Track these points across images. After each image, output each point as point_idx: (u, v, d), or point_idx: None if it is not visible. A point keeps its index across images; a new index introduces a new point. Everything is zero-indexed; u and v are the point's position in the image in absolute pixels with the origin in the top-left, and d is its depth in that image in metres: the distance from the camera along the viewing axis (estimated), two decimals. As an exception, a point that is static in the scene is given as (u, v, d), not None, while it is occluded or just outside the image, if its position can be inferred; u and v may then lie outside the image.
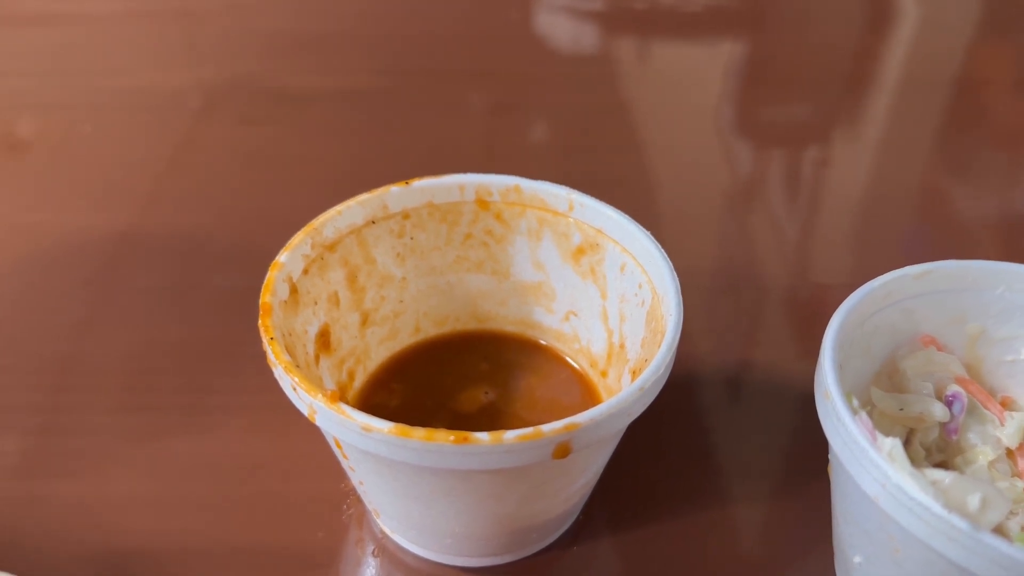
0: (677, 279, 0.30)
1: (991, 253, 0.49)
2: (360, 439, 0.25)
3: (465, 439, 0.24)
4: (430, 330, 0.37)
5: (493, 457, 0.25)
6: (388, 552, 0.32)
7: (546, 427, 0.25)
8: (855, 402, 0.26)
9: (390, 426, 0.25)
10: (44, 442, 0.36)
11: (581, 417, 0.25)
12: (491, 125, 0.59)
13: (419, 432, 0.24)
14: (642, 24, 0.73)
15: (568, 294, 0.36)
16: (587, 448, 0.26)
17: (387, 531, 0.33)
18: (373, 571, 0.32)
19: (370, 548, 0.33)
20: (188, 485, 0.35)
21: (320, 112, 0.59)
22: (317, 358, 0.32)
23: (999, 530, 0.26)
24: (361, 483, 0.30)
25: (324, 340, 0.32)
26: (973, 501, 0.23)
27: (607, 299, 0.34)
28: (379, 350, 0.36)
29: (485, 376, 0.36)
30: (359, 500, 0.34)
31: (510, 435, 0.24)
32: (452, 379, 0.36)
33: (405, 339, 0.37)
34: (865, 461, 0.24)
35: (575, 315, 0.36)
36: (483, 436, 0.24)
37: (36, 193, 0.51)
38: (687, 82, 0.66)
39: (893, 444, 0.24)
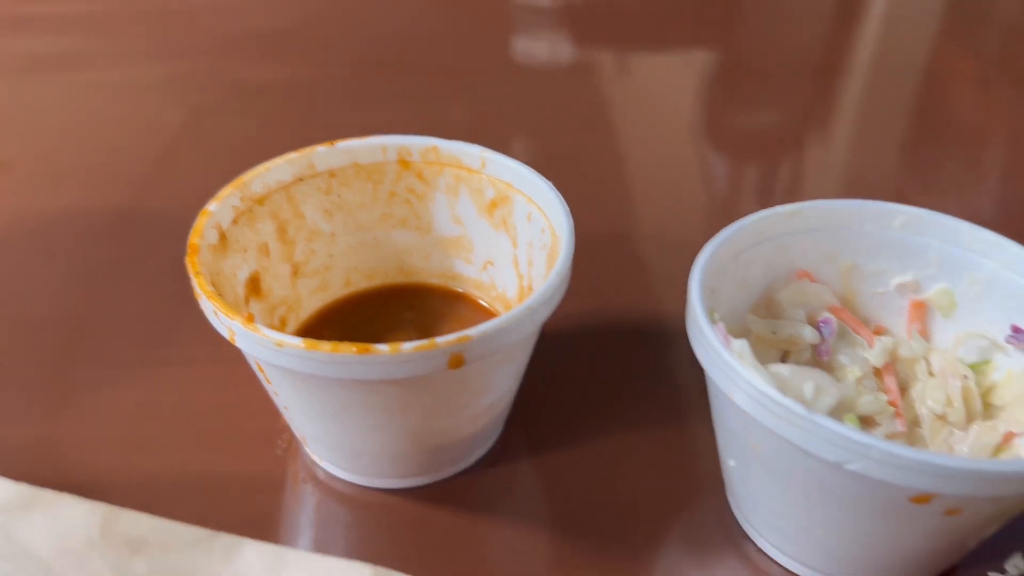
0: (572, 220, 0.33)
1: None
2: (275, 355, 0.28)
3: (367, 350, 0.27)
4: (360, 283, 0.40)
5: (392, 367, 0.28)
6: (317, 479, 0.35)
7: (440, 339, 0.28)
8: (716, 316, 0.29)
9: (300, 341, 0.27)
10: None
11: (473, 330, 0.28)
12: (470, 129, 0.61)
13: (326, 345, 0.27)
14: (611, 34, 0.76)
15: (485, 245, 0.39)
16: (481, 361, 0.29)
17: (316, 459, 0.36)
18: (303, 495, 0.35)
19: (301, 475, 0.35)
20: (135, 428, 0.37)
21: (276, 101, 0.63)
22: (247, 300, 0.35)
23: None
24: (287, 408, 0.33)
25: (254, 285, 0.35)
26: (808, 388, 0.26)
27: (517, 247, 0.37)
28: (311, 300, 0.39)
29: (410, 322, 0.39)
30: (293, 436, 0.37)
31: (407, 346, 0.27)
32: (379, 327, 0.39)
33: (337, 291, 0.40)
34: (720, 363, 0.27)
35: (492, 264, 0.39)
36: (383, 347, 0.27)
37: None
38: (658, 91, 0.69)
39: (741, 345, 0.27)
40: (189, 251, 0.31)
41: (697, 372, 0.29)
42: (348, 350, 0.27)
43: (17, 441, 0.37)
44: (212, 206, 0.34)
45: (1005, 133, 0.64)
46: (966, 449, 0.32)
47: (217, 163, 0.56)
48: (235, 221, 0.34)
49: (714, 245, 0.32)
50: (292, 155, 0.36)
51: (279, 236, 0.37)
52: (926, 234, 0.34)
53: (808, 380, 0.26)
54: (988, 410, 0.33)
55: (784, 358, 0.34)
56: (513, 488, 0.36)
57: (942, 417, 0.33)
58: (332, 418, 0.31)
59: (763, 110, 0.68)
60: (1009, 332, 0.33)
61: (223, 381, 0.39)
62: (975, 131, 0.64)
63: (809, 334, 0.33)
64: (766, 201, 0.56)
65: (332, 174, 0.37)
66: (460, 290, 0.40)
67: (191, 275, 0.31)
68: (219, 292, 0.32)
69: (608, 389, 0.40)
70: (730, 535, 0.34)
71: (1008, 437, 0.32)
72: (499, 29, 0.76)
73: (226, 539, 0.26)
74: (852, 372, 0.33)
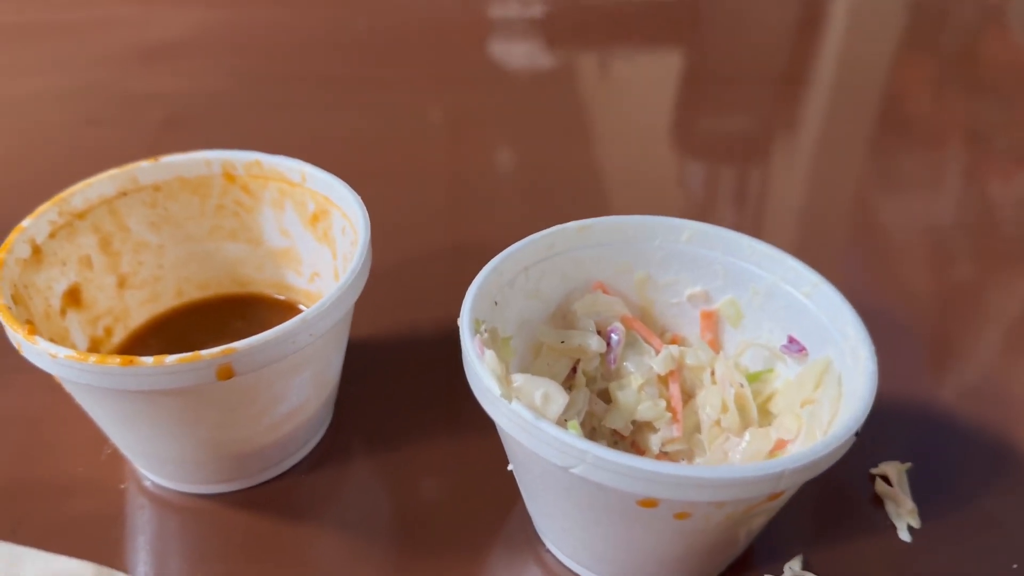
0: (370, 230, 0.35)
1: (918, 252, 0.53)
2: (53, 366, 0.29)
3: (131, 362, 0.29)
4: (193, 294, 0.41)
5: (158, 378, 0.29)
6: (139, 484, 0.37)
7: (204, 351, 0.29)
8: (484, 327, 0.31)
9: (68, 352, 0.29)
10: None
11: (239, 343, 0.29)
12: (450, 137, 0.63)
13: (93, 357, 0.29)
14: (587, 38, 0.78)
15: (311, 257, 0.40)
16: (258, 372, 0.30)
17: (135, 464, 0.37)
18: (121, 500, 0.36)
19: (125, 480, 0.37)
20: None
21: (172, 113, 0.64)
22: (63, 312, 0.36)
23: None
24: (93, 416, 0.34)
25: (74, 297, 0.37)
26: (537, 396, 0.28)
27: (337, 259, 0.39)
28: (140, 311, 0.40)
29: (238, 332, 0.40)
30: (118, 442, 0.38)
31: (171, 358, 0.29)
32: (207, 336, 0.39)
33: (168, 301, 0.41)
34: (472, 371, 0.29)
35: (318, 276, 0.40)
36: (147, 359, 0.29)
37: None
38: (634, 95, 0.71)
39: (490, 355, 0.29)
40: (-9, 266, 0.33)
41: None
42: (112, 361, 0.29)
43: None
44: (26, 222, 0.35)
45: (962, 134, 0.66)
46: (738, 456, 0.33)
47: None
48: (52, 235, 0.36)
49: (499, 259, 0.33)
50: (114, 171, 0.38)
51: (102, 249, 0.38)
52: (711, 247, 0.36)
53: (539, 388, 0.28)
54: (767, 417, 0.35)
55: (575, 367, 0.35)
56: (334, 492, 0.37)
57: (718, 423, 0.34)
58: (124, 426, 0.32)
59: (732, 115, 0.69)
60: (785, 342, 0.35)
61: (56, 390, 0.40)
62: (935, 133, 0.66)
63: (595, 343, 0.35)
64: (738, 203, 0.58)
65: (157, 188, 0.39)
66: (291, 300, 0.42)
67: (-12, 289, 0.32)
68: (27, 305, 0.33)
69: (437, 395, 0.41)
70: (529, 537, 0.35)
71: (780, 444, 0.33)
72: (475, 34, 0.78)
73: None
74: (636, 379, 0.35)
